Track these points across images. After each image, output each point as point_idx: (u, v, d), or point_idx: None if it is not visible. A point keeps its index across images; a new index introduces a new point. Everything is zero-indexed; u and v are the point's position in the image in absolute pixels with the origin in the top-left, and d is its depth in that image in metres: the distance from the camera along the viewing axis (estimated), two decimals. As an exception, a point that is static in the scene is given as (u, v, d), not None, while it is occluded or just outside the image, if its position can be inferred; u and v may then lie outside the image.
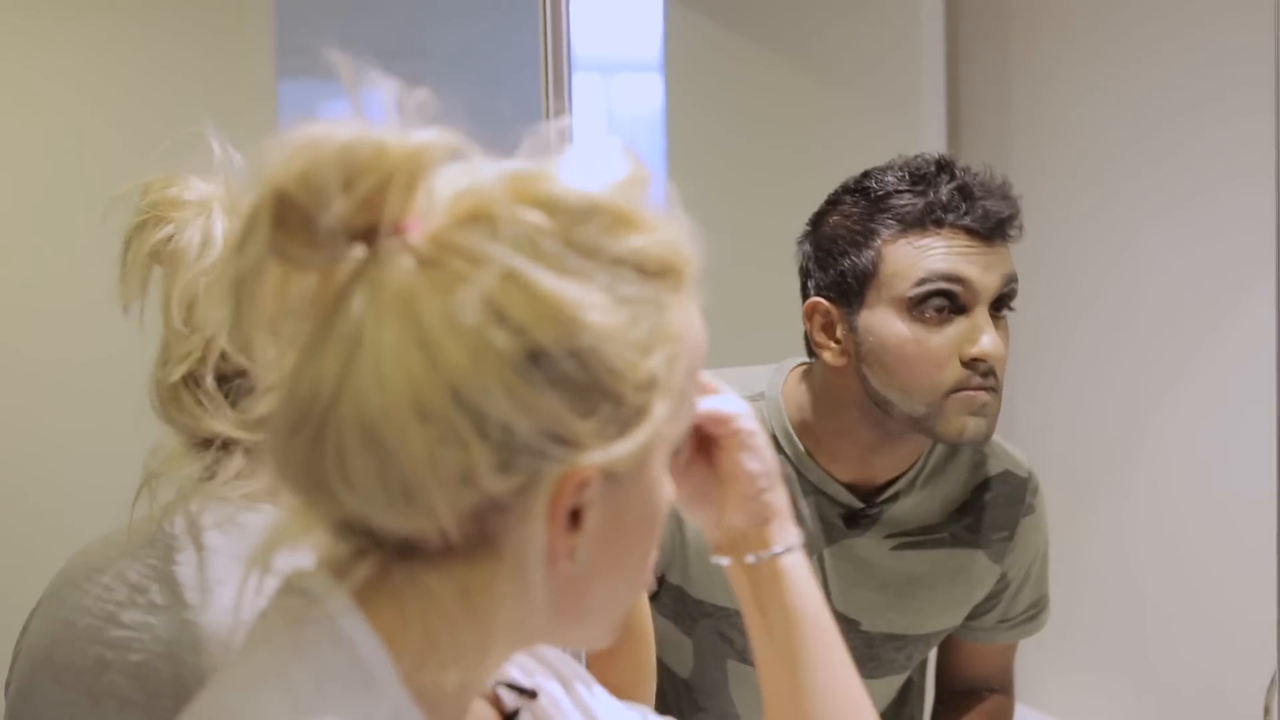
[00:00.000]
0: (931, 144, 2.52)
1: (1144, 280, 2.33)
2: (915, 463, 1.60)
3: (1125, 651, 2.40)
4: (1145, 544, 2.35)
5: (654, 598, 1.63)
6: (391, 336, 0.68)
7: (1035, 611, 1.72)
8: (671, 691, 1.70)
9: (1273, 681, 1.91)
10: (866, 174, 1.54)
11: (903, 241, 1.49)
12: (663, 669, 1.70)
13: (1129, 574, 2.38)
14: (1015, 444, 1.73)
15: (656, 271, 0.73)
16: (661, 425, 0.73)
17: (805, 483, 1.58)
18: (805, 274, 1.57)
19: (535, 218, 0.71)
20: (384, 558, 0.73)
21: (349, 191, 0.69)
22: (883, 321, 1.49)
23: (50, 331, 2.27)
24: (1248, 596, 2.12)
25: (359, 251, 0.70)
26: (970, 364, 1.47)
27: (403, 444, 0.68)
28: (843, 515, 1.59)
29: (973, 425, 1.49)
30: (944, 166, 1.51)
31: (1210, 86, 2.20)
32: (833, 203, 1.56)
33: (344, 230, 0.69)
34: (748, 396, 1.60)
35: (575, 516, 0.73)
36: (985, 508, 1.65)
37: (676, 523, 1.58)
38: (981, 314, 1.48)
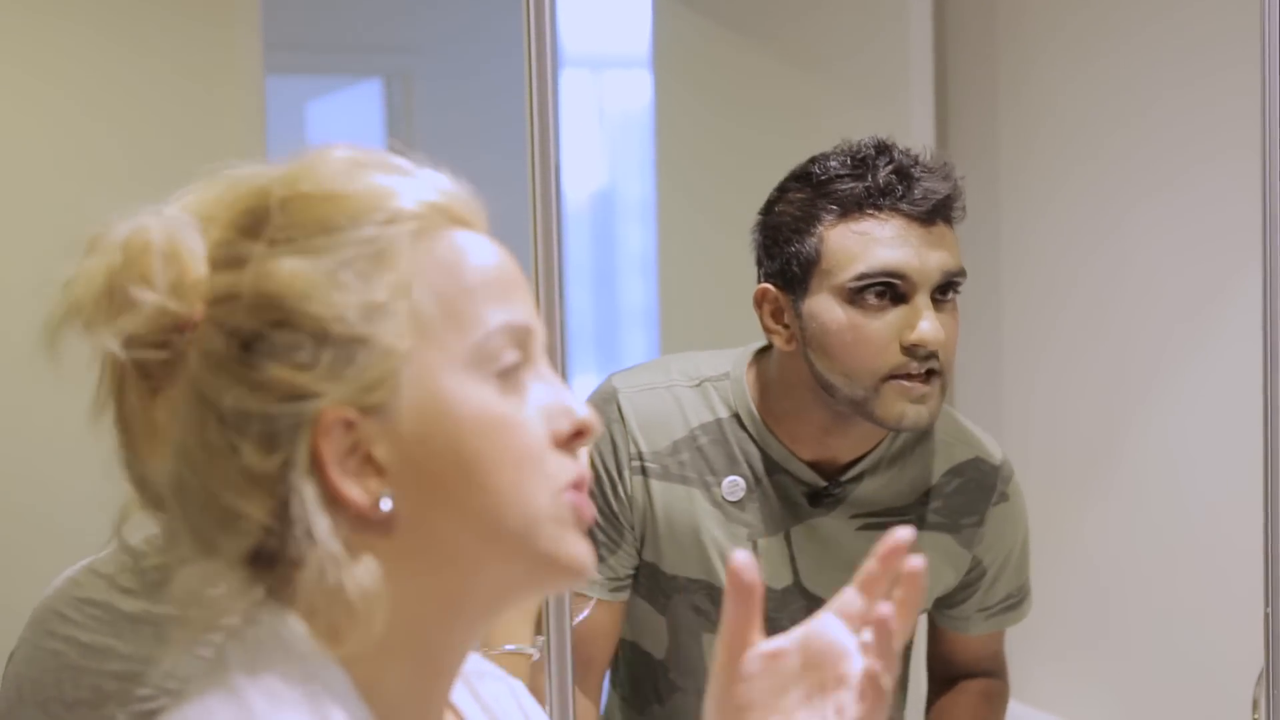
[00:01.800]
0: (919, 135, 2.53)
1: (1130, 271, 2.34)
2: (880, 443, 1.61)
3: (1112, 645, 2.40)
4: (1131, 537, 2.36)
5: (635, 579, 1.65)
6: (183, 400, 0.79)
7: (1015, 601, 1.73)
8: (648, 675, 1.71)
9: (1260, 674, 1.92)
10: (812, 160, 1.56)
11: (842, 227, 1.50)
12: (637, 652, 1.71)
13: (1115, 567, 2.39)
14: (999, 437, 1.74)
15: (368, 223, 0.80)
16: (403, 347, 0.78)
17: (768, 460, 1.60)
18: (757, 261, 1.59)
19: (238, 235, 0.80)
20: (286, 573, 0.79)
21: (127, 322, 0.79)
22: (825, 308, 1.51)
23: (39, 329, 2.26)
24: (1235, 589, 2.12)
25: (163, 355, 0.80)
26: (909, 350, 1.48)
27: (202, 475, 0.78)
28: (806, 494, 1.61)
29: (911, 413, 1.50)
30: (883, 150, 1.51)
31: (1197, 75, 2.20)
32: (781, 190, 1.57)
33: (144, 358, 0.79)
34: (714, 377, 1.62)
35: (373, 464, 0.78)
36: (955, 493, 1.65)
37: (647, 499, 1.60)
38: (921, 300, 1.49)
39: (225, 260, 0.79)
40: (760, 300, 1.57)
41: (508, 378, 0.81)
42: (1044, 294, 2.52)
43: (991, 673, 1.78)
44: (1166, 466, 2.29)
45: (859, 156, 1.50)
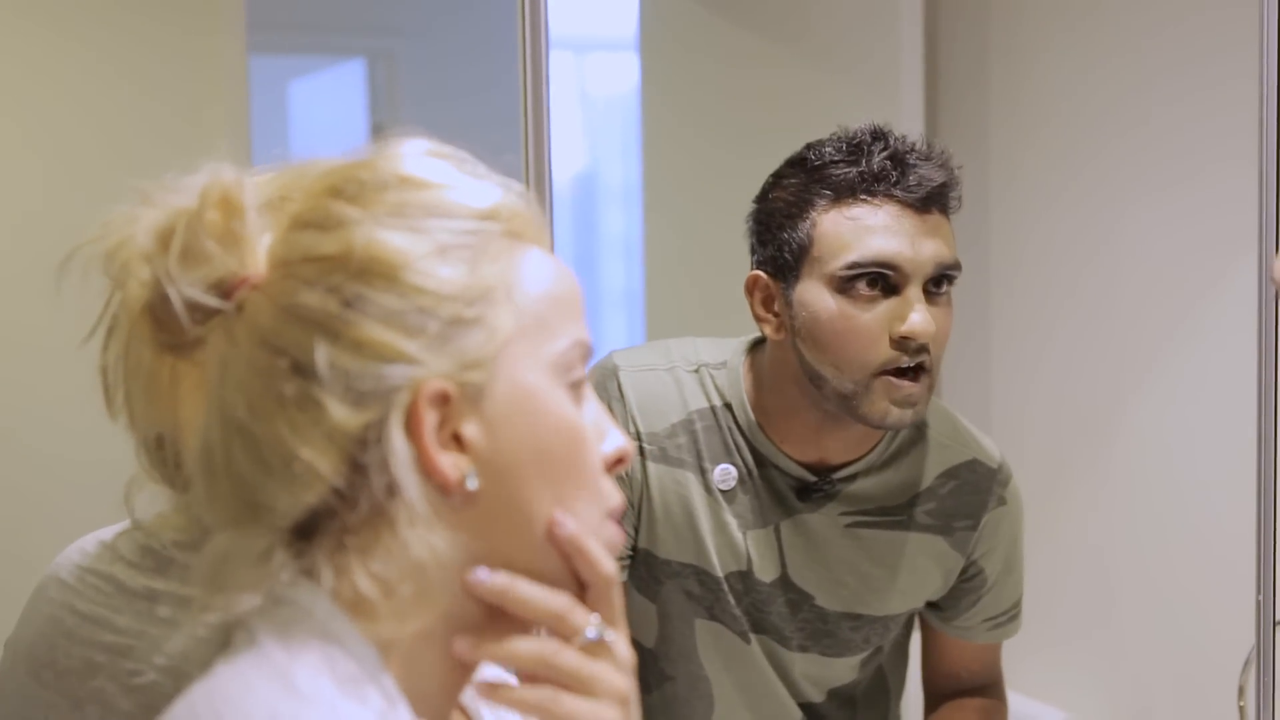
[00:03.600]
0: (910, 123, 2.52)
1: (1123, 264, 2.33)
2: (875, 446, 1.59)
3: (1102, 633, 2.40)
4: (1122, 526, 2.35)
5: (629, 565, 1.63)
6: (242, 352, 0.78)
7: (1017, 611, 1.72)
8: (638, 664, 1.69)
9: (1247, 662, 1.92)
10: (808, 146, 1.53)
11: (835, 213, 1.48)
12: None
13: (1106, 556, 2.38)
14: (990, 428, 1.73)
15: (467, 215, 0.81)
16: (507, 334, 0.80)
17: (756, 454, 1.59)
18: (751, 248, 1.57)
19: (338, 200, 0.80)
20: (322, 543, 0.80)
21: (188, 271, 0.79)
22: (815, 296, 1.48)
23: (39, 319, 2.24)
24: (1224, 579, 2.12)
25: (224, 306, 0.80)
26: (900, 343, 1.46)
27: (269, 425, 0.77)
28: (795, 489, 1.59)
29: (895, 413, 1.48)
30: (879, 136, 1.50)
31: (1193, 67, 2.19)
32: (776, 176, 1.55)
33: (198, 306, 0.79)
34: (713, 364, 1.60)
35: (458, 440, 0.79)
36: (949, 495, 1.63)
37: (644, 480, 1.59)
38: (914, 292, 1.46)
39: (315, 221, 0.79)
40: (751, 288, 1.55)
41: (579, 391, 0.83)
42: (1035, 285, 2.51)
43: (989, 688, 1.76)
44: (1158, 456, 2.29)
45: (854, 142, 1.48)
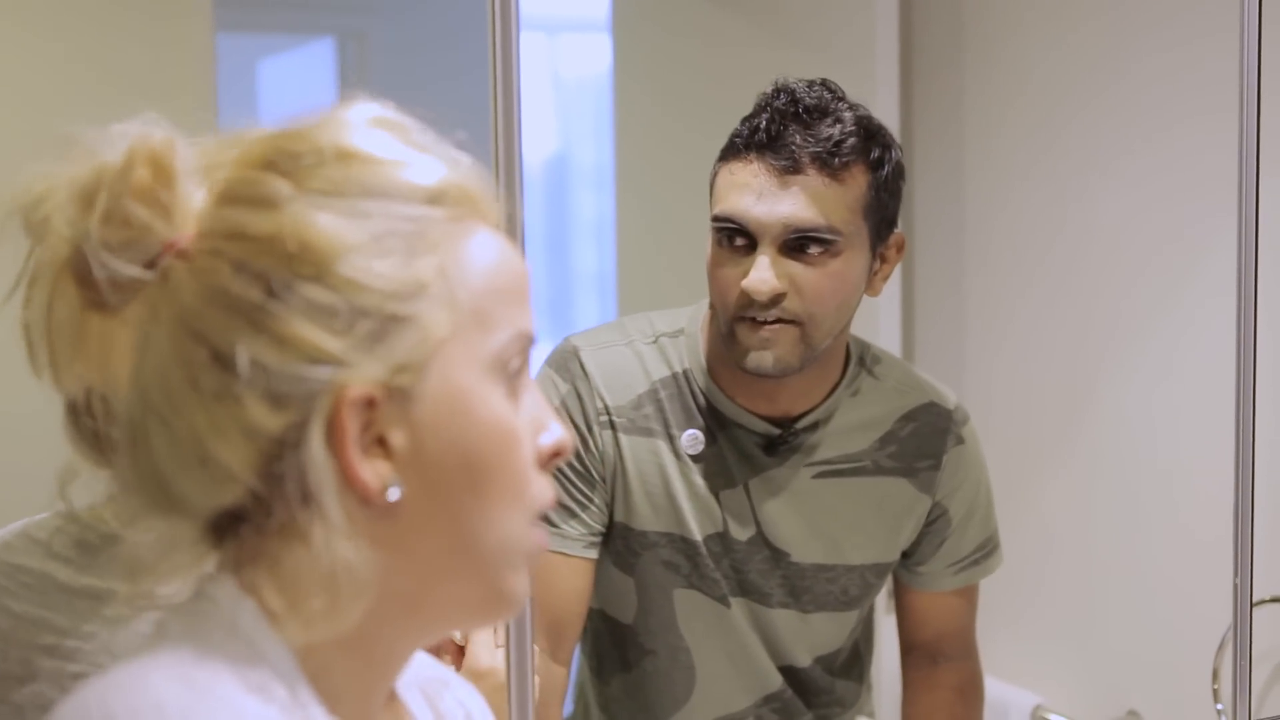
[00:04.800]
0: (885, 101, 2.51)
1: (1101, 243, 2.32)
2: (830, 395, 1.63)
3: (1076, 616, 2.40)
4: (1097, 509, 2.35)
5: (604, 541, 1.63)
6: (164, 331, 0.74)
7: (985, 552, 1.75)
8: (614, 643, 1.70)
9: (1222, 644, 1.91)
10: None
11: (723, 169, 1.56)
12: (604, 619, 1.69)
13: (1081, 539, 2.38)
14: (965, 405, 1.74)
15: (409, 197, 0.76)
16: (441, 334, 0.75)
17: (721, 414, 1.62)
18: None
19: (271, 173, 0.75)
20: (242, 540, 0.76)
21: (110, 233, 0.75)
22: (709, 244, 1.57)
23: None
24: (1200, 559, 2.12)
25: (145, 275, 0.76)
26: (748, 297, 1.52)
27: (185, 417, 0.73)
28: (760, 445, 1.62)
29: (754, 356, 1.54)
30: (779, 93, 1.56)
31: (1172, 43, 2.18)
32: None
33: (119, 272, 0.75)
34: (669, 332, 1.64)
35: (383, 446, 0.75)
36: (909, 437, 1.67)
37: (617, 453, 1.61)
38: (762, 249, 1.52)
39: (247, 197, 0.75)
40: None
41: (515, 385, 0.79)
42: (1009, 266, 2.50)
43: (963, 654, 1.77)
44: (1133, 438, 2.28)
45: (761, 98, 1.55)
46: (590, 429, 1.60)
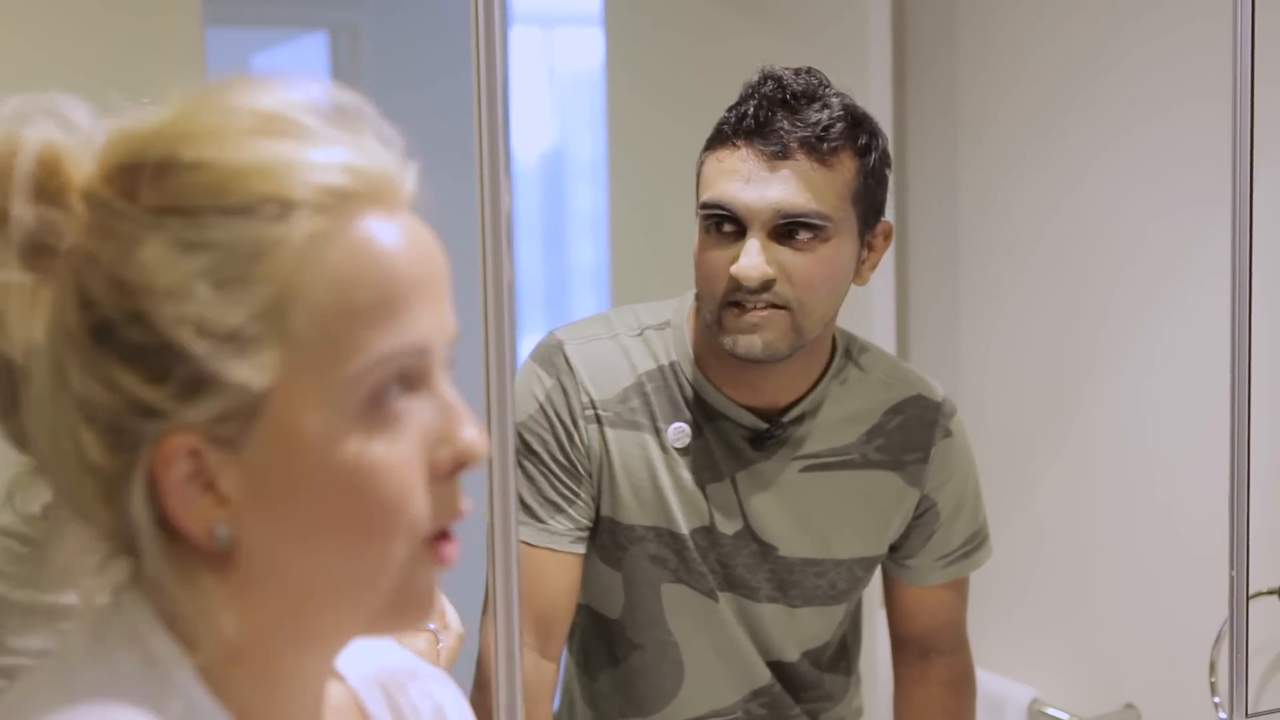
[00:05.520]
0: (877, 93, 2.50)
1: (1093, 229, 2.31)
2: (816, 386, 1.62)
3: (1072, 609, 2.39)
4: (1092, 501, 2.34)
5: (592, 536, 1.63)
6: (37, 348, 0.71)
7: (974, 545, 1.75)
8: (601, 638, 1.69)
9: (1219, 636, 1.91)
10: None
11: (710, 157, 1.56)
12: (591, 615, 1.69)
13: (1076, 531, 2.37)
14: (959, 401, 1.74)
15: (258, 209, 0.70)
16: (266, 379, 0.69)
17: (709, 407, 1.61)
18: None
19: (112, 188, 0.70)
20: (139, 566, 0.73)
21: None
22: (695, 232, 1.57)
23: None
24: (1197, 552, 2.11)
25: (23, 279, 0.72)
26: (738, 283, 1.52)
27: (42, 443, 0.71)
28: (747, 438, 1.62)
29: (743, 342, 1.53)
30: (766, 80, 1.56)
31: (1166, 28, 2.17)
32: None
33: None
34: (655, 325, 1.64)
35: (215, 493, 0.71)
36: (896, 430, 1.66)
37: (603, 447, 1.60)
38: (752, 236, 1.51)
39: (99, 221, 0.70)
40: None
41: (385, 409, 0.72)
42: (1004, 255, 2.50)
43: (953, 648, 1.77)
44: (1127, 428, 2.28)
45: (748, 86, 1.56)
46: (575, 423, 1.59)
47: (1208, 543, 1.87)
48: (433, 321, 0.75)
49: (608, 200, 3.39)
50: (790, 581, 1.64)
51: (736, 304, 1.53)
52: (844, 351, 1.66)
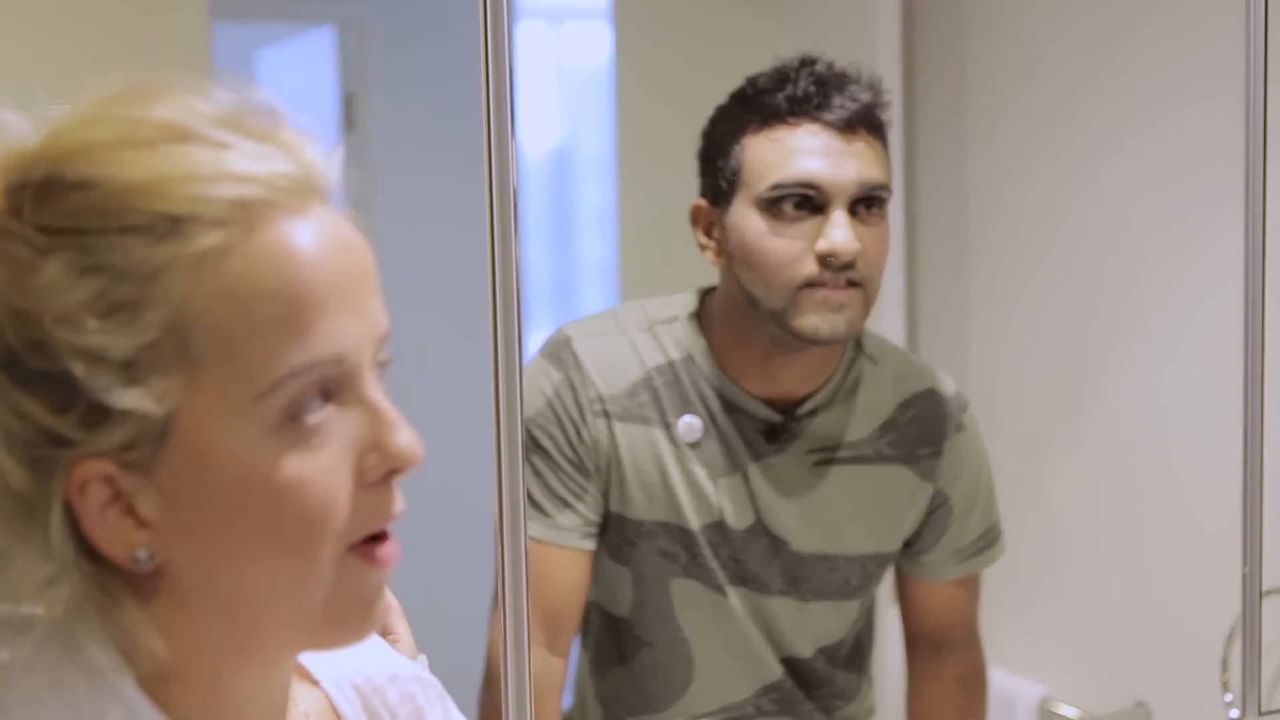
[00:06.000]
0: (887, 89, 2.49)
1: (1104, 225, 2.31)
2: (830, 378, 1.62)
3: (1083, 607, 2.38)
4: (1104, 498, 2.33)
5: (601, 533, 1.63)
6: None
7: (988, 541, 1.75)
8: (609, 636, 1.69)
9: (1231, 633, 1.90)
10: (746, 79, 1.63)
11: (762, 136, 1.54)
12: (600, 613, 1.69)
13: (1088, 528, 2.36)
14: (970, 397, 1.74)
15: (153, 228, 0.68)
16: (170, 403, 0.68)
17: (723, 399, 1.60)
18: (700, 184, 1.65)
19: (8, 209, 0.69)
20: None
21: None
22: (744, 218, 1.55)
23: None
24: (1209, 549, 2.10)
25: None
26: (824, 260, 1.51)
27: None
28: (761, 431, 1.62)
29: (827, 323, 1.53)
30: (806, 62, 1.58)
31: (1176, 29, 2.16)
32: (717, 109, 1.64)
33: None
34: (663, 319, 1.64)
35: (135, 517, 0.70)
36: (909, 424, 1.66)
37: (611, 442, 1.60)
38: (837, 211, 1.51)
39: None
40: (695, 217, 1.62)
41: (302, 422, 0.70)
42: (1016, 251, 2.49)
43: (964, 644, 1.77)
44: (1142, 425, 2.27)
45: (783, 69, 1.57)
46: (584, 419, 1.59)
47: (1220, 540, 1.86)
48: (353, 326, 0.72)
49: (616, 196, 3.38)
50: (802, 576, 1.64)
51: (815, 285, 1.51)
52: (855, 344, 1.66)
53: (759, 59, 2.98)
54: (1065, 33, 2.34)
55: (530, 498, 1.59)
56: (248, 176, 0.70)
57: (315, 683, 0.87)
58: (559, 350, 1.61)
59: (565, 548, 1.57)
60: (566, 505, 1.57)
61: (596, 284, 5.04)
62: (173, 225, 0.68)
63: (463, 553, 2.30)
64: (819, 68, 1.56)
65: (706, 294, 1.67)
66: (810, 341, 1.55)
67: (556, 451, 1.58)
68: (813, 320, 1.52)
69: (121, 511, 0.70)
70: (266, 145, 0.72)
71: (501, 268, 1.29)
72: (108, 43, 2.31)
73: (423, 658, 1.05)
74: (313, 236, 0.71)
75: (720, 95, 3.07)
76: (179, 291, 0.68)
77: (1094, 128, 2.31)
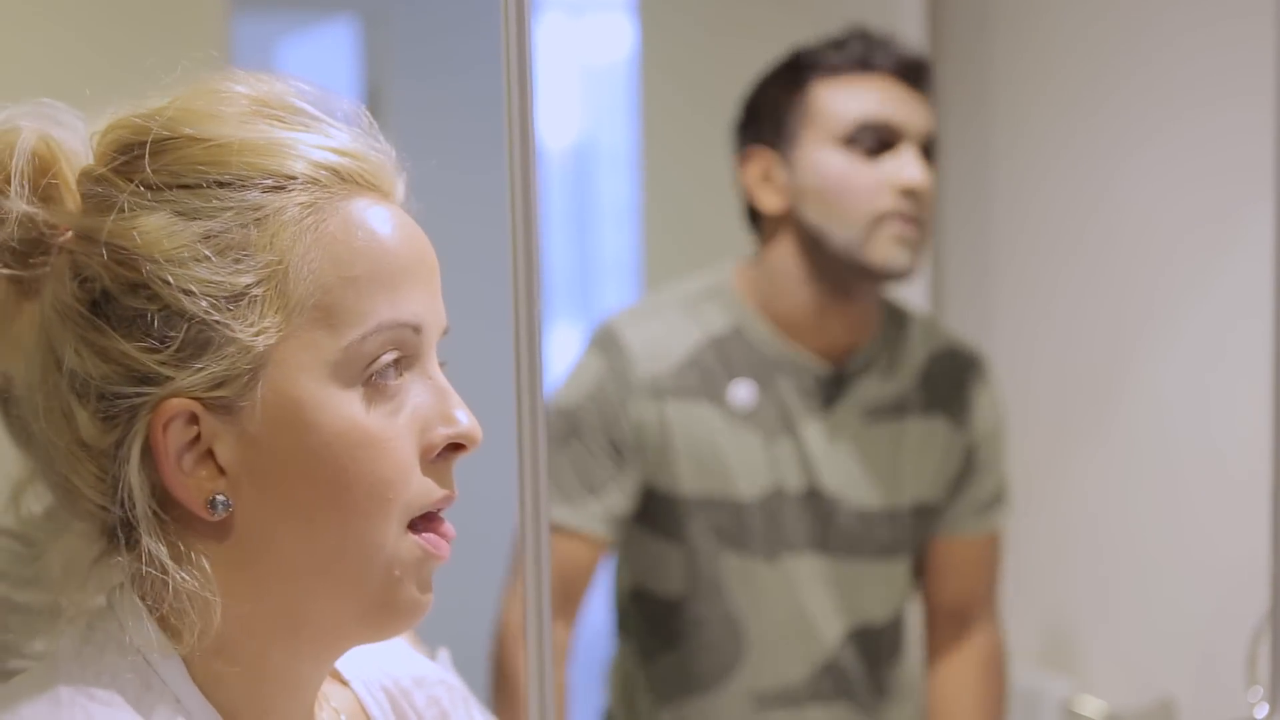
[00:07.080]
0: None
1: (1132, 219, 2.29)
2: (876, 331, 1.69)
3: (1110, 599, 2.37)
4: (1130, 490, 2.32)
5: (641, 515, 1.65)
6: (34, 337, 0.73)
7: (999, 496, 1.80)
8: (661, 618, 1.69)
9: (1259, 629, 1.88)
10: (793, 50, 1.73)
11: (836, 83, 1.64)
12: (647, 597, 1.69)
13: (1113, 520, 2.35)
14: (997, 383, 1.79)
15: (256, 183, 0.72)
16: (267, 342, 0.71)
17: (772, 363, 1.65)
18: (739, 142, 1.71)
19: (108, 167, 0.72)
20: (131, 558, 0.73)
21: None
22: (820, 157, 1.62)
23: None
24: (1236, 543, 2.09)
25: (21, 274, 0.74)
26: (899, 194, 1.60)
27: (39, 423, 0.72)
28: (815, 388, 1.66)
29: (898, 255, 1.60)
30: (858, 32, 1.70)
31: (1204, 21, 2.15)
32: (767, 73, 1.73)
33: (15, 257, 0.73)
34: (702, 294, 1.70)
35: (214, 458, 0.72)
36: (942, 375, 1.73)
37: (661, 422, 1.62)
38: (909, 146, 1.61)
39: (97, 200, 0.72)
40: (746, 163, 1.68)
41: (381, 382, 0.73)
42: (1045, 242, 2.48)
43: (986, 616, 1.79)
44: (1169, 419, 2.26)
45: (839, 38, 1.68)
46: (624, 405, 1.61)
47: (1248, 534, 1.85)
48: (428, 304, 0.76)
49: (639, 190, 3.39)
50: (864, 534, 1.68)
51: (895, 216, 1.59)
52: (888, 302, 1.73)
53: (780, 54, 2.97)
54: (1090, 30, 2.33)
55: (558, 481, 1.61)
56: (344, 150, 0.75)
57: (345, 683, 0.88)
58: (604, 338, 1.65)
59: (579, 531, 1.60)
60: (591, 491, 1.59)
61: (618, 277, 5.05)
62: (279, 180, 0.72)
63: (483, 550, 2.30)
64: (864, 31, 1.68)
65: (738, 266, 1.71)
66: (881, 274, 1.61)
67: (592, 438, 1.61)
68: (886, 251, 1.59)
69: (200, 456, 0.72)
70: (353, 130, 0.78)
71: (524, 260, 1.28)
72: (129, 33, 2.31)
73: (445, 653, 1.05)
74: (397, 217, 0.76)
75: (741, 90, 3.07)
76: (282, 238, 0.72)
77: (1121, 122, 2.30)
